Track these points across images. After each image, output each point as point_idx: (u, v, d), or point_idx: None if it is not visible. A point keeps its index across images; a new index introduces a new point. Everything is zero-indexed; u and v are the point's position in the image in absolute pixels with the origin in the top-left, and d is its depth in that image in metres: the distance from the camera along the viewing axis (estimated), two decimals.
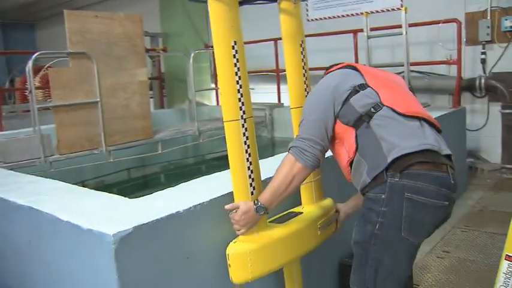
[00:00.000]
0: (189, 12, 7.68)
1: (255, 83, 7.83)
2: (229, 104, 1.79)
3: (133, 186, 5.49)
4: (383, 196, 1.68)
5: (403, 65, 4.80)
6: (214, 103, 7.78)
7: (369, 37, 5.12)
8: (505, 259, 2.09)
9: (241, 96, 1.79)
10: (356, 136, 1.79)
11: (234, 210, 1.82)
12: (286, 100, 7.18)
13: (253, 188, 1.83)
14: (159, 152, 5.02)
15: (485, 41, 5.60)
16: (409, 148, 1.68)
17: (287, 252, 1.98)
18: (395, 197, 1.66)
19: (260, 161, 1.91)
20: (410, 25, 4.89)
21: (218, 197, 1.95)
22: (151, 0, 8.88)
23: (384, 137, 1.72)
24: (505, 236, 2.09)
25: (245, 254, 1.82)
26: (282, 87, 6.95)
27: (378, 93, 1.81)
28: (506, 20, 5.42)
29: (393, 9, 6.44)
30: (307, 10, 7.40)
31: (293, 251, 2.02)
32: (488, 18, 5.54)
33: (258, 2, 2.15)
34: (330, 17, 7.15)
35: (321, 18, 7.27)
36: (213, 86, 7.76)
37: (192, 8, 7.71)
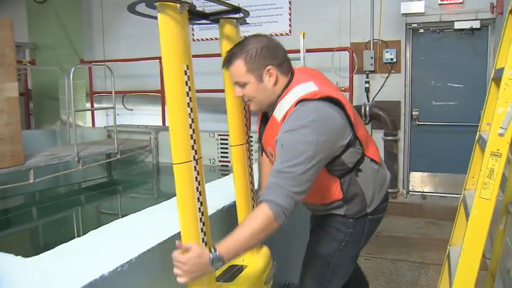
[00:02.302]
0: (64, 23, 6.93)
1: (133, 104, 7.34)
2: (181, 143, 1.45)
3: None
4: (351, 220, 1.87)
5: None
6: (89, 124, 7.06)
7: None
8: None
9: (193, 132, 1.45)
10: (341, 184, 1.80)
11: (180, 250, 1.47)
12: None
13: (204, 234, 1.49)
14: (31, 181, 4.29)
15: (369, 71, 5.86)
16: (382, 197, 1.95)
17: None
18: (361, 222, 1.89)
19: None
20: (306, 50, 4.91)
21: (154, 246, 1.56)
22: (15, 4, 7.85)
23: (365, 190, 1.85)
24: (405, 261, 2.55)
25: None
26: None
27: (362, 147, 1.81)
28: (387, 52, 5.75)
29: (282, 34, 6.49)
30: (193, 30, 7.15)
31: None
32: (372, 49, 5.83)
33: (200, 22, 1.80)
34: (216, 38, 6.97)
35: (207, 39, 7.07)
36: (88, 105, 7.04)
37: (67, 19, 6.99)
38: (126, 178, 6.11)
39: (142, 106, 7.19)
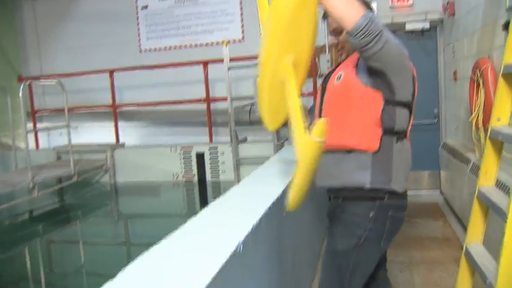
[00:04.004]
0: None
1: (80, 121, 6.86)
2: None
3: None
4: (371, 215, 1.81)
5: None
6: (32, 146, 6.50)
7: (229, 68, 4.85)
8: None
9: None
10: (381, 138, 1.78)
11: None
12: (125, 138, 6.52)
13: None
14: None
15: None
16: (405, 187, 1.88)
17: None
18: (381, 216, 1.82)
19: None
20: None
21: None
22: None
23: (395, 163, 1.81)
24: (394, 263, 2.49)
25: None
26: (120, 124, 6.18)
27: (408, 125, 1.86)
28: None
29: (234, 41, 6.35)
30: (139, 40, 6.83)
31: None
32: (327, 53, 5.84)
33: None
34: (166, 48, 6.71)
35: (156, 49, 6.78)
36: (30, 126, 6.48)
37: (3, 34, 6.41)
38: (83, 202, 5.65)
39: (89, 123, 6.75)
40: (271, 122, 1.96)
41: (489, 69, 3.42)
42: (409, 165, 1.91)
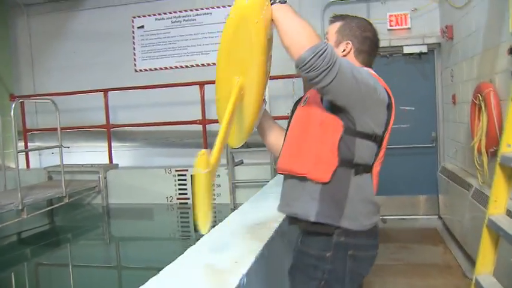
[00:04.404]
0: None
1: (72, 141, 6.72)
2: None
3: None
4: (328, 254, 1.67)
5: None
6: (23, 166, 6.34)
7: None
8: None
9: None
10: (335, 170, 1.63)
11: None
12: (119, 159, 6.40)
13: None
14: None
15: None
16: (366, 227, 1.71)
17: None
18: (339, 255, 1.68)
19: None
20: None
21: None
22: None
23: (354, 200, 1.66)
24: None
25: None
26: (113, 144, 6.06)
27: (376, 157, 1.71)
28: None
29: None
30: (134, 60, 6.77)
31: None
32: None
33: None
34: (161, 68, 6.65)
35: (151, 69, 6.72)
36: (21, 145, 6.33)
37: None
38: (74, 224, 5.49)
39: (82, 143, 6.62)
40: (232, 139, 1.94)
41: (491, 93, 3.38)
42: (370, 202, 1.72)
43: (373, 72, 1.76)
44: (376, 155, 1.71)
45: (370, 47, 1.83)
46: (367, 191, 1.71)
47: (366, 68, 1.75)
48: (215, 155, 1.58)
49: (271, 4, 1.60)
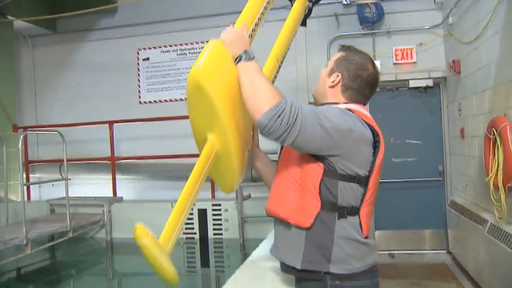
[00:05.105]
0: None
1: (74, 173, 6.60)
2: None
3: None
4: None
5: None
6: (25, 198, 6.19)
7: None
8: None
9: None
10: (319, 211, 1.59)
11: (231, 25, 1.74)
12: (121, 192, 6.29)
13: None
14: None
15: None
16: (354, 269, 1.63)
17: None
18: None
19: None
20: None
21: None
22: None
23: (341, 245, 1.61)
24: None
25: None
26: (117, 176, 5.97)
27: (363, 198, 1.64)
28: None
29: None
30: (139, 92, 6.75)
31: None
32: None
33: None
34: (166, 100, 6.61)
35: (155, 101, 6.69)
36: (23, 176, 6.22)
37: (0, 81, 6.29)
38: (77, 259, 5.32)
39: (84, 175, 6.51)
40: (221, 186, 1.97)
41: (508, 127, 3.36)
42: (362, 244, 1.65)
43: (357, 109, 1.70)
44: (363, 196, 1.65)
45: (360, 86, 1.77)
46: (355, 233, 1.64)
47: (342, 106, 1.69)
48: (168, 233, 1.59)
49: (236, 62, 1.62)
